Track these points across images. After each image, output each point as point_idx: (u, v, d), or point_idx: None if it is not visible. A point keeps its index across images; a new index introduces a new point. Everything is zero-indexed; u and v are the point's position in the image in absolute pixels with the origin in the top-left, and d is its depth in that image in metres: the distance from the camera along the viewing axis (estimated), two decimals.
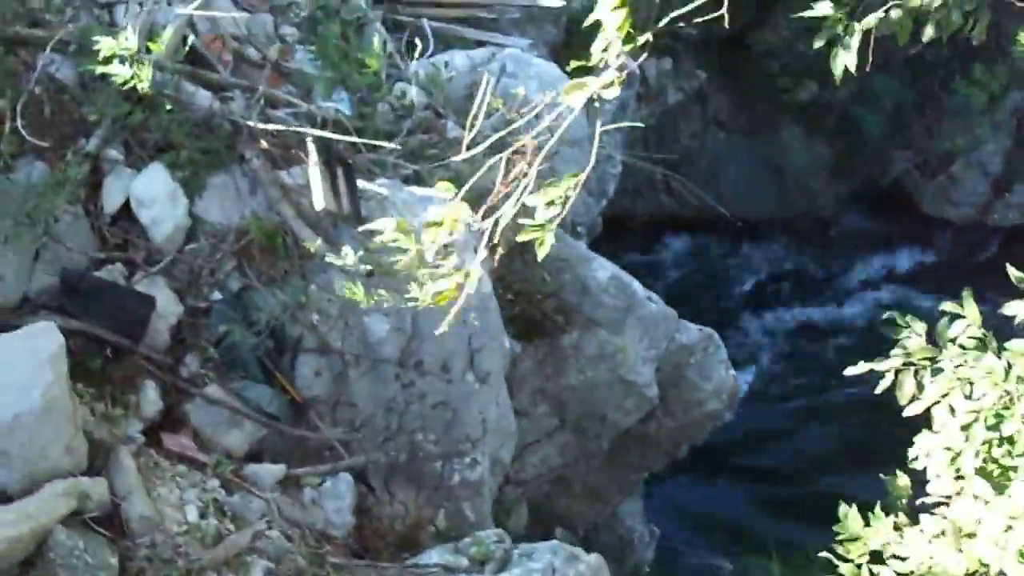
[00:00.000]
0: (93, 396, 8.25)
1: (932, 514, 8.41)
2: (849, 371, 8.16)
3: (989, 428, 7.88)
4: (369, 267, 8.56)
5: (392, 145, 9.61)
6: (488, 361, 10.02)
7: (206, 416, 8.78)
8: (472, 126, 5.71)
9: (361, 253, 8.33)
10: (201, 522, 7.83)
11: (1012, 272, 7.21)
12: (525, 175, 5.35)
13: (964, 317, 8.09)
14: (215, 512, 8.05)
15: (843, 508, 8.38)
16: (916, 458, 8.42)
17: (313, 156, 9.31)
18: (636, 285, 11.94)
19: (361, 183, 9.57)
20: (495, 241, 5.26)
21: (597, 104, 5.19)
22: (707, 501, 15.48)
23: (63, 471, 7.26)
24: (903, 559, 8.32)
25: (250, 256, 9.31)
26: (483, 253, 5.22)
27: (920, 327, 8.12)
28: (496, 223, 5.15)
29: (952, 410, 8.06)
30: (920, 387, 8.08)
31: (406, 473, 9.80)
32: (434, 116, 11.38)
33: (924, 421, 8.22)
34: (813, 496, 15.26)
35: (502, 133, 5.47)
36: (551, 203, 5.15)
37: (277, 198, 9.38)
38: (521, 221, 5.18)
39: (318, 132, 9.36)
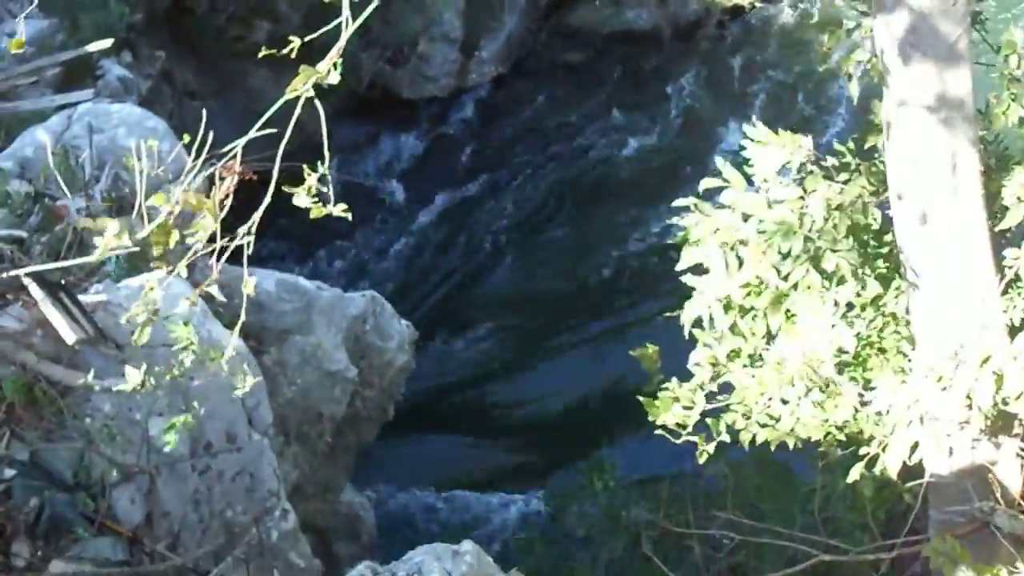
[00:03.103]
0: None
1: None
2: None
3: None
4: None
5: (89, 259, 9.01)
6: (265, 413, 9.86)
7: None
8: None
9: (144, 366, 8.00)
10: None
11: None
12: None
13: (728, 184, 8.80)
14: None
15: (647, 402, 8.99)
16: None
17: (39, 293, 8.66)
18: (302, 280, 11.91)
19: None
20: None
21: None
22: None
23: None
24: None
25: (18, 419, 8.63)
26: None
27: (708, 207, 8.75)
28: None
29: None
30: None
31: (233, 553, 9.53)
32: (50, 202, 10.77)
33: None
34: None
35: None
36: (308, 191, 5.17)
37: (11, 349, 8.71)
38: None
39: (28, 269, 8.68)
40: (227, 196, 5.19)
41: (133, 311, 5.34)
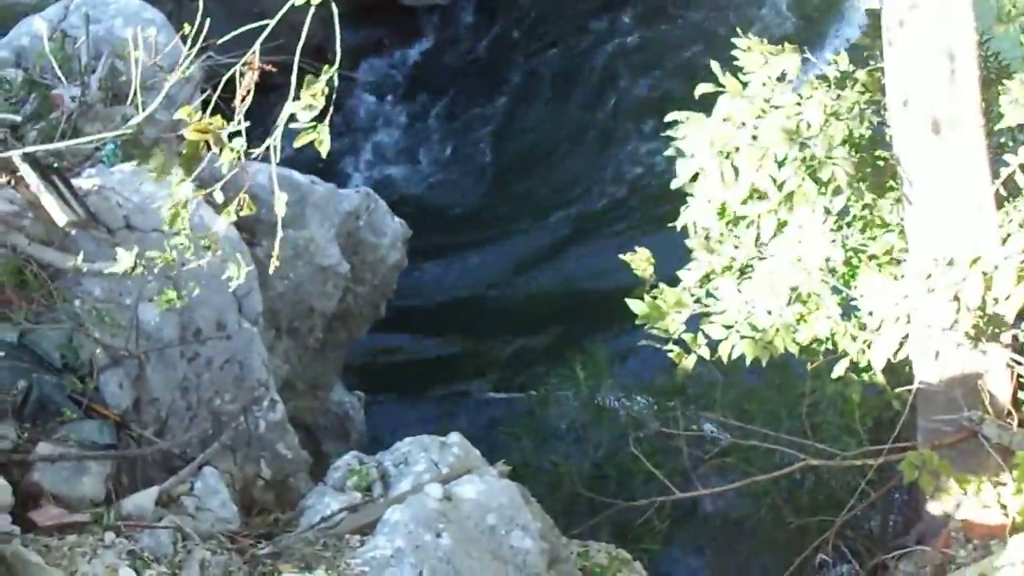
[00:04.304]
0: None
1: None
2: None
3: None
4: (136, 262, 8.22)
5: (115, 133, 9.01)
6: (255, 302, 9.89)
7: (54, 476, 8.13)
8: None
9: (135, 249, 8.01)
10: None
11: None
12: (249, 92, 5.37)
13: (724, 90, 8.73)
14: (143, 564, 7.60)
15: (634, 303, 8.99)
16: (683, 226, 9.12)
17: (32, 176, 8.64)
18: (296, 174, 11.85)
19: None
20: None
21: None
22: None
23: None
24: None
25: (7, 301, 8.62)
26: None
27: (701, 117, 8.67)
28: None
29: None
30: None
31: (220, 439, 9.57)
32: (46, 90, 10.71)
33: None
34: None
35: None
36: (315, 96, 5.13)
37: (1, 232, 8.70)
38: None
39: (22, 150, 8.67)
40: (248, 93, 5.19)
41: None
